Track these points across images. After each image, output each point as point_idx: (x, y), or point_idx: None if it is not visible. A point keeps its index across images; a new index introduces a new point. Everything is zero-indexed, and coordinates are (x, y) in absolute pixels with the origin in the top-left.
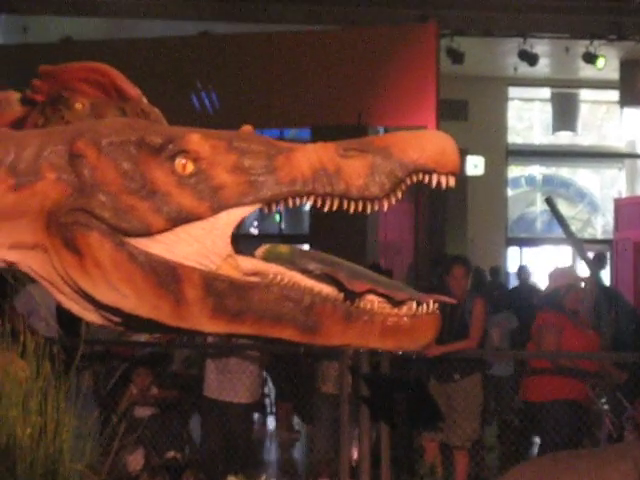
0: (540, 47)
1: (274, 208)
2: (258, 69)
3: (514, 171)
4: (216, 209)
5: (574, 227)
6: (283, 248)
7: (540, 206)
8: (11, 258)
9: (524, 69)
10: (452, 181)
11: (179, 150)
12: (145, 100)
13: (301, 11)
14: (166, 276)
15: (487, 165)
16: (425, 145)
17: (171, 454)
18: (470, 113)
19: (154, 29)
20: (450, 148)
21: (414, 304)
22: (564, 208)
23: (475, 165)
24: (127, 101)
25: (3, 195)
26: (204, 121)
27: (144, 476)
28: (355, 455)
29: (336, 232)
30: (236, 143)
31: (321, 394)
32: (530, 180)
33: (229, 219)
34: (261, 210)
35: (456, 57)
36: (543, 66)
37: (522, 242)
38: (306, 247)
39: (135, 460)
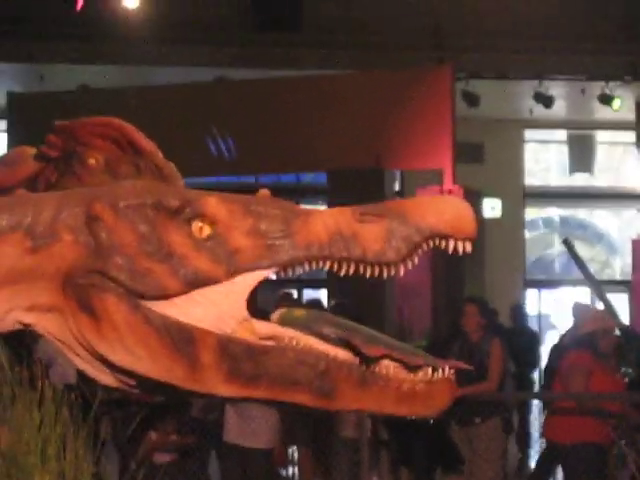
0: (556, 89)
1: (290, 272)
2: (274, 114)
3: (531, 213)
4: (233, 273)
5: (592, 268)
6: (299, 312)
7: (558, 248)
8: (28, 320)
9: (540, 111)
10: (469, 247)
11: (196, 213)
12: (160, 154)
13: (317, 55)
14: (181, 339)
15: (504, 207)
16: (442, 210)
17: None
18: (486, 155)
19: (170, 76)
20: (467, 214)
21: (430, 370)
22: (582, 250)
23: (492, 207)
24: (141, 156)
25: (20, 258)
26: (221, 167)
27: None
28: None
29: (353, 280)
30: (253, 207)
31: (340, 438)
32: (547, 222)
33: (245, 283)
34: (277, 273)
35: (472, 100)
36: (559, 108)
37: (540, 284)
38: (324, 292)
39: None
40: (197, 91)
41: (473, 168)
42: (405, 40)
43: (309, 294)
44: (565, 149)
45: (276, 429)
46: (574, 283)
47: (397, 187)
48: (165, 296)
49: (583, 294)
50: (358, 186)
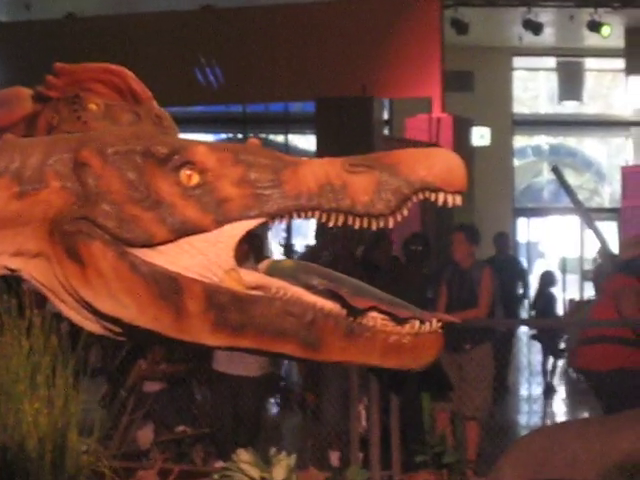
0: (545, 16)
1: (278, 222)
2: (261, 42)
3: (520, 141)
4: (220, 222)
5: (581, 196)
6: (286, 263)
7: (546, 176)
8: (13, 265)
9: (529, 39)
10: (459, 200)
11: (185, 161)
12: (156, 104)
13: None
14: (167, 287)
15: (493, 135)
16: (433, 163)
17: (181, 428)
18: (475, 83)
19: (157, 4)
20: (457, 166)
21: (417, 322)
22: (571, 177)
23: (481, 136)
24: (141, 104)
25: (7, 202)
26: (209, 96)
27: (154, 451)
28: (364, 426)
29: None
30: (243, 156)
31: (330, 365)
32: (536, 150)
33: (233, 232)
34: (265, 223)
35: (460, 28)
36: (548, 35)
37: (529, 212)
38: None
39: (145, 435)
40: (184, 19)
41: (462, 96)
42: None
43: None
44: (554, 77)
45: (265, 357)
46: (563, 211)
47: (386, 115)
48: (152, 244)
49: (572, 222)
50: (346, 114)
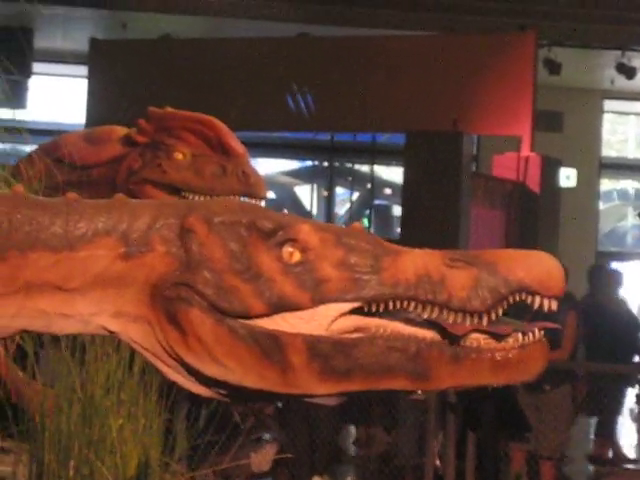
0: (638, 60)
1: (374, 308)
2: (354, 72)
3: (606, 184)
4: (317, 301)
5: None
6: None
7: (631, 220)
8: (112, 327)
9: (621, 82)
10: (554, 305)
11: (288, 238)
12: (249, 161)
13: (399, 16)
14: (269, 346)
15: (580, 177)
16: (532, 265)
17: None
18: (565, 124)
19: (252, 29)
20: (556, 271)
21: (519, 335)
22: None
23: (567, 177)
24: (230, 159)
25: (112, 262)
26: (298, 123)
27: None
28: (439, 462)
29: (427, 239)
30: (345, 239)
31: (408, 399)
32: (622, 194)
33: (328, 313)
34: (346, 224)
35: (553, 68)
36: None
37: (612, 256)
38: None
39: (263, 457)
40: (278, 45)
41: (551, 136)
42: (489, 4)
43: None
44: None
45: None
46: None
47: (474, 152)
48: (248, 316)
49: None
50: (436, 148)
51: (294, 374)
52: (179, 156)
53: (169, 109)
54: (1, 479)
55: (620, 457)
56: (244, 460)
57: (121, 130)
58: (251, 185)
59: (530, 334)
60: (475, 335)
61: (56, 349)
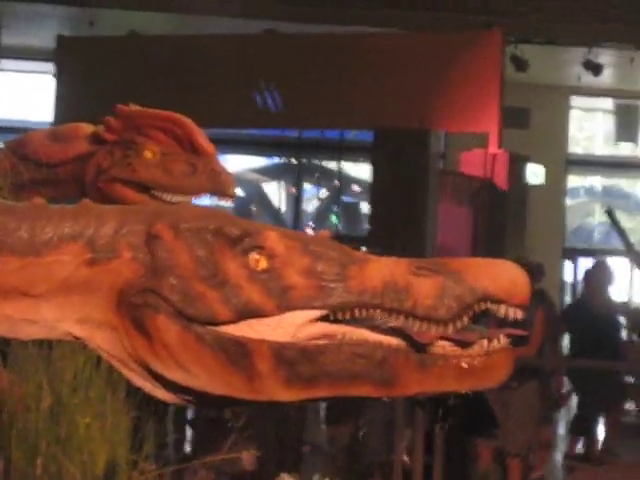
0: (605, 57)
1: (340, 316)
2: (322, 69)
3: (574, 181)
4: (283, 308)
5: (633, 239)
6: None
7: (599, 217)
8: (77, 333)
9: (588, 79)
10: (519, 313)
11: (255, 245)
12: (218, 159)
13: (366, 14)
14: (235, 352)
15: (547, 174)
16: (498, 274)
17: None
18: (532, 121)
19: (219, 26)
20: (522, 281)
21: (485, 342)
22: (623, 220)
23: (535, 174)
24: (200, 157)
25: (78, 269)
26: (266, 120)
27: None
28: (407, 458)
29: (395, 235)
30: (312, 247)
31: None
32: (589, 191)
33: (294, 320)
34: (314, 221)
35: (520, 65)
36: (607, 76)
37: (579, 252)
38: (363, 249)
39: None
40: (245, 42)
41: (518, 133)
42: (455, 1)
43: None
44: (611, 118)
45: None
46: (613, 253)
47: (442, 149)
48: (214, 322)
49: (621, 264)
50: (403, 146)
51: (260, 381)
52: (148, 154)
53: (136, 106)
54: None
55: (595, 454)
56: (234, 455)
57: (88, 127)
58: (220, 183)
59: (495, 341)
60: (441, 342)
61: (23, 347)
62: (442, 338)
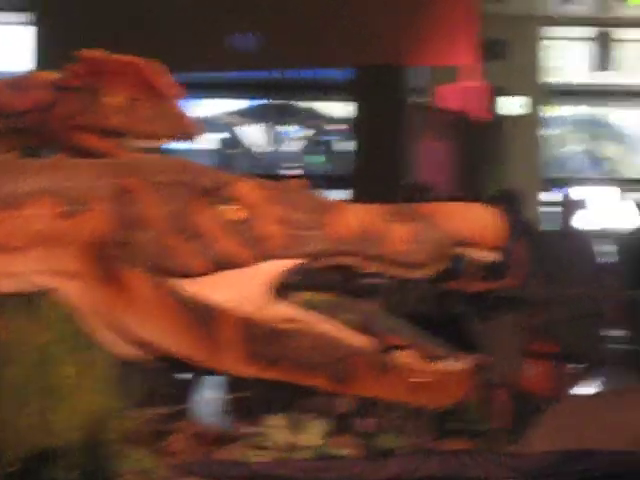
0: None
1: (317, 263)
2: (298, 8)
3: (551, 111)
4: (259, 258)
5: (612, 167)
6: (322, 297)
7: (576, 146)
8: (52, 284)
9: (564, 8)
10: (492, 256)
11: (229, 196)
12: (183, 102)
13: None
14: (203, 317)
15: (525, 105)
16: (470, 218)
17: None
18: (509, 52)
19: None
20: (494, 223)
21: (448, 361)
22: (604, 148)
23: (512, 104)
24: (165, 101)
25: (52, 221)
26: (243, 61)
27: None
28: None
29: (379, 173)
30: (285, 196)
31: None
32: (566, 120)
33: (270, 269)
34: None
35: None
36: (583, 5)
37: (557, 183)
38: (350, 191)
39: None
40: None
41: (496, 65)
42: None
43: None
44: (588, 47)
45: None
46: (590, 182)
47: (420, 83)
48: (189, 275)
49: (601, 193)
50: (379, 82)
51: (222, 351)
52: (112, 100)
53: (101, 52)
54: None
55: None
56: None
57: (48, 75)
58: (186, 126)
59: (459, 363)
60: (405, 352)
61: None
62: (409, 347)
